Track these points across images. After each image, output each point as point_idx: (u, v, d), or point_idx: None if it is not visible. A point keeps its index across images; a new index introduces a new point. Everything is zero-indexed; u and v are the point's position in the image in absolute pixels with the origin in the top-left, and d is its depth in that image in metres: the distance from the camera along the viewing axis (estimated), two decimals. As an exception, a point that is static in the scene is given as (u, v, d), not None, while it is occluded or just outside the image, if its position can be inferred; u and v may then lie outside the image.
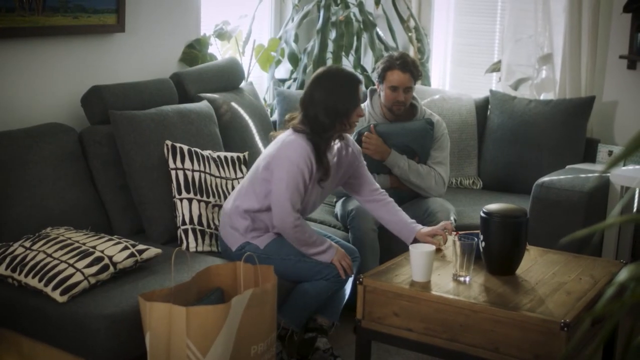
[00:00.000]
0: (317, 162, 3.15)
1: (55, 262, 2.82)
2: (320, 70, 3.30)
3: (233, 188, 3.62)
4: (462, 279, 2.79)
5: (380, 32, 4.89)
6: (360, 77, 3.29)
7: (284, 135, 3.21)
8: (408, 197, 3.82)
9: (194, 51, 4.30)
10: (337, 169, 3.30)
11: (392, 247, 3.59)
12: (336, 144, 3.29)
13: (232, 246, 3.26)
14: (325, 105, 3.14)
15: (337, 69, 3.32)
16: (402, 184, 3.80)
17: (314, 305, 3.25)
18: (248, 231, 3.23)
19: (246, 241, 3.22)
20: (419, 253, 2.78)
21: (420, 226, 3.31)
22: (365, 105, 3.91)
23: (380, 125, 3.83)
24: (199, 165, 3.50)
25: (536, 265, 2.99)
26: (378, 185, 3.44)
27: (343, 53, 4.74)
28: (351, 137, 3.42)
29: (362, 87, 3.25)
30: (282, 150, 3.14)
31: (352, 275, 3.29)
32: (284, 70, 5.00)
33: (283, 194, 3.09)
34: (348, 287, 3.33)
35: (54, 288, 2.74)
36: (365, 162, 3.44)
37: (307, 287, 3.21)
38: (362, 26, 4.82)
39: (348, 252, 3.34)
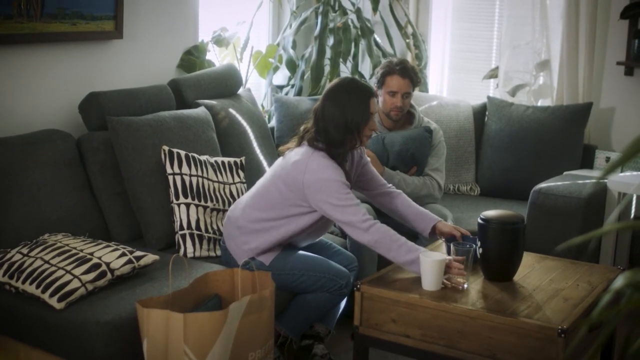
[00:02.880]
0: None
1: (53, 268, 2.82)
2: (333, 82, 3.23)
3: (231, 192, 3.62)
4: (459, 286, 2.77)
5: (378, 39, 4.89)
6: (371, 88, 3.19)
7: (305, 157, 3.07)
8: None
9: (192, 57, 4.30)
10: (351, 172, 3.26)
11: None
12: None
13: (237, 258, 3.20)
14: (335, 120, 3.06)
15: (349, 81, 3.19)
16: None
17: (315, 316, 3.25)
18: (254, 247, 3.20)
19: (251, 257, 3.19)
20: (430, 262, 2.72)
21: (438, 218, 3.22)
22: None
23: (384, 134, 3.84)
24: (197, 170, 3.50)
25: (534, 271, 2.99)
26: (385, 181, 3.41)
27: (341, 59, 4.74)
28: None
29: (374, 100, 3.13)
30: (312, 174, 3.02)
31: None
32: (281, 76, 5.01)
33: (340, 211, 3.00)
34: (346, 297, 3.32)
35: (52, 295, 2.73)
36: (369, 159, 3.41)
37: (309, 298, 3.20)
38: (359, 33, 4.82)
39: (347, 260, 3.34)
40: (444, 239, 3.10)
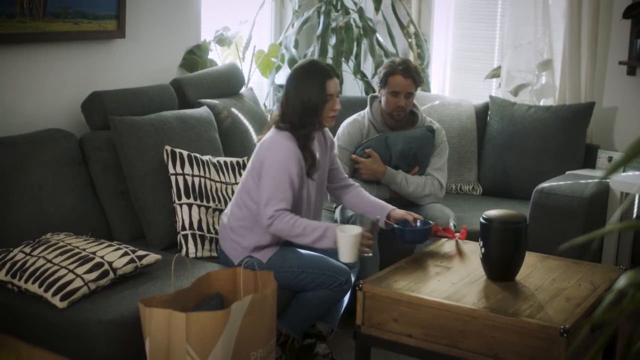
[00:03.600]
0: (304, 156, 3.17)
1: (55, 267, 2.82)
2: (296, 64, 3.31)
3: (233, 192, 3.62)
4: (366, 254, 3.03)
5: (380, 38, 4.89)
6: (330, 69, 3.23)
7: (268, 137, 3.21)
8: (408, 205, 3.82)
9: (194, 57, 4.30)
10: (322, 159, 3.33)
11: (391, 253, 3.60)
12: (315, 135, 3.31)
13: (233, 259, 3.24)
14: (293, 102, 3.16)
15: (308, 63, 3.28)
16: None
17: (316, 314, 3.25)
18: (250, 245, 3.22)
19: (248, 255, 3.20)
20: (347, 236, 2.93)
21: (392, 207, 3.35)
22: (365, 113, 3.92)
23: (386, 134, 3.83)
24: (199, 170, 3.50)
25: (536, 271, 2.99)
26: (346, 175, 3.50)
27: (343, 59, 4.75)
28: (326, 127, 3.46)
29: (334, 81, 3.20)
30: (270, 153, 3.13)
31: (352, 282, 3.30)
32: (284, 76, 4.99)
33: (265, 190, 3.10)
34: (347, 293, 3.33)
35: (54, 294, 2.74)
36: (336, 151, 3.52)
37: (309, 296, 3.20)
38: (362, 32, 4.82)
39: None
40: (394, 223, 3.26)
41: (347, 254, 2.96)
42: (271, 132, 3.21)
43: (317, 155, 3.26)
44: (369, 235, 3.03)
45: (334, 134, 3.88)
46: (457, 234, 3.32)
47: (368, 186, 3.77)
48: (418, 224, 3.26)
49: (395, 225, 3.22)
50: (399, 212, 3.31)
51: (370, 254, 3.05)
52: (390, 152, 3.80)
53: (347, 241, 2.94)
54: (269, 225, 3.08)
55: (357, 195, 3.44)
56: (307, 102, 3.14)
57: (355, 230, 2.97)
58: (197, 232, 3.39)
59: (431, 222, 3.28)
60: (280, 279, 3.06)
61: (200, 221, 3.41)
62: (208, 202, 3.47)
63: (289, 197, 3.09)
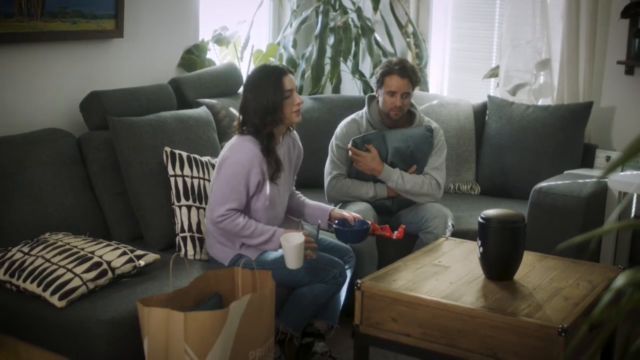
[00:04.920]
0: (267, 161, 3.20)
1: (54, 267, 2.82)
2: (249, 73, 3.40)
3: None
4: (309, 257, 3.11)
5: (378, 38, 4.89)
6: (282, 67, 3.31)
7: (232, 140, 3.27)
8: (406, 204, 3.82)
9: (193, 56, 4.30)
10: (289, 163, 3.39)
11: (390, 253, 3.60)
12: (285, 139, 3.35)
13: (224, 261, 3.26)
14: (254, 106, 3.21)
15: (259, 68, 3.34)
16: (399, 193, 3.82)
17: (313, 308, 3.25)
18: (238, 243, 3.24)
19: (238, 253, 3.23)
20: (291, 246, 3.03)
21: (332, 207, 3.51)
22: (363, 112, 3.92)
23: (383, 132, 3.83)
24: (198, 171, 3.50)
25: (534, 270, 2.99)
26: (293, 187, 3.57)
27: (341, 58, 4.75)
28: (297, 135, 3.50)
29: (289, 77, 3.25)
30: (232, 153, 3.19)
31: (348, 278, 3.30)
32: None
33: (220, 188, 3.17)
34: (344, 290, 3.33)
35: (53, 293, 2.74)
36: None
37: (304, 290, 3.21)
38: (360, 32, 4.82)
39: (341, 252, 3.36)
40: (334, 222, 3.39)
41: (292, 262, 3.06)
42: (234, 138, 3.27)
43: (285, 160, 3.32)
44: (311, 240, 3.13)
45: (330, 134, 3.89)
46: (395, 232, 3.40)
47: (366, 184, 3.77)
48: (356, 223, 3.40)
49: (334, 226, 3.35)
50: (339, 213, 3.43)
51: (314, 257, 3.14)
52: (387, 149, 3.80)
53: (291, 250, 3.05)
54: (218, 222, 3.17)
55: (298, 200, 3.54)
56: (266, 104, 3.19)
57: (299, 239, 3.06)
58: (196, 235, 3.39)
59: (368, 221, 3.40)
60: (273, 275, 3.07)
61: (199, 223, 3.41)
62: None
63: (243, 199, 3.18)
